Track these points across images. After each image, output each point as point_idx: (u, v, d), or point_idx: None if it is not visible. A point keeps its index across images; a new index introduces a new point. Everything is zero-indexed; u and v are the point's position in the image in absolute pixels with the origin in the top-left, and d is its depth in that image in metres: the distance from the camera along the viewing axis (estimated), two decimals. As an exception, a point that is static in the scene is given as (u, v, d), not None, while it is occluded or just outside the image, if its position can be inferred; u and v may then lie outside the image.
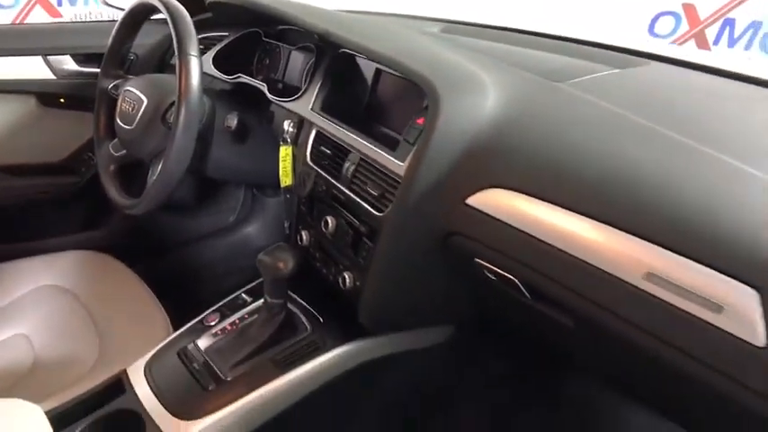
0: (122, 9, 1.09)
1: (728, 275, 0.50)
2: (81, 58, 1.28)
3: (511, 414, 1.07)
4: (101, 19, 1.34)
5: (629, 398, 0.99)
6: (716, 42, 2.80)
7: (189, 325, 0.93)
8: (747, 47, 2.76)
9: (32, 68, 1.24)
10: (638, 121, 0.68)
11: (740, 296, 0.49)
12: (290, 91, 1.04)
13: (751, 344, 0.49)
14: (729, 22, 2.80)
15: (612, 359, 0.73)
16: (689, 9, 2.85)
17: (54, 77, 1.26)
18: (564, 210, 0.62)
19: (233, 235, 1.54)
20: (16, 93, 1.24)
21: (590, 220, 0.59)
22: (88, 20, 1.32)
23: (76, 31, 1.30)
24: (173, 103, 0.96)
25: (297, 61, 1.09)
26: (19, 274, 1.15)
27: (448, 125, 0.72)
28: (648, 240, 0.55)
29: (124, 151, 1.07)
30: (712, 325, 0.51)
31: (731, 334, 0.50)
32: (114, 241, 1.32)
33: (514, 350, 1.08)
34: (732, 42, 2.79)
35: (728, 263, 0.50)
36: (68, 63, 1.27)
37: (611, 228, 0.57)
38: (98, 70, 1.24)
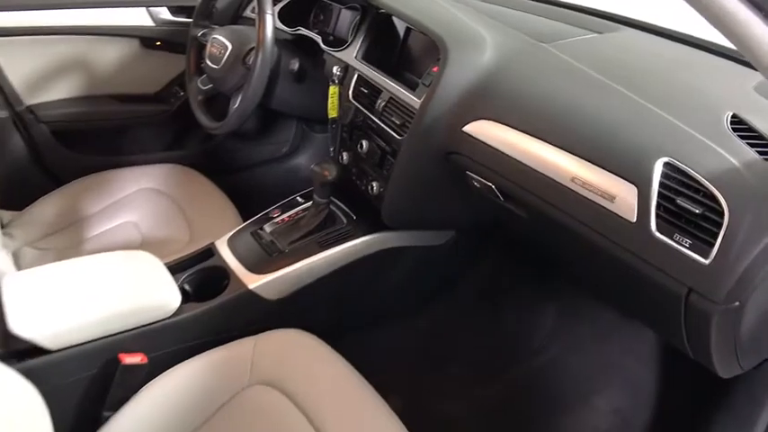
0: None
1: (619, 176, 0.76)
2: (174, 10, 1.58)
3: (493, 297, 1.36)
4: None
5: (571, 277, 1.25)
6: None
7: (258, 216, 1.26)
8: None
9: (137, 17, 1.55)
10: (594, 75, 0.93)
11: (625, 190, 0.76)
12: (339, 42, 1.32)
13: (629, 221, 0.75)
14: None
15: (552, 241, 1.00)
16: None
17: (153, 24, 1.57)
18: (526, 135, 0.88)
19: (286, 163, 1.85)
20: (124, 36, 1.56)
21: (541, 141, 0.86)
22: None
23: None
24: (251, 49, 1.25)
25: (345, 18, 1.36)
26: (125, 179, 1.49)
27: (453, 72, 0.99)
28: (574, 154, 0.81)
29: (210, 85, 1.38)
30: (609, 210, 0.77)
31: (618, 215, 0.76)
32: (194, 159, 1.64)
33: (499, 254, 1.36)
34: None
35: (620, 168, 0.76)
36: (164, 13, 1.57)
37: (553, 146, 0.84)
38: (187, 19, 1.54)
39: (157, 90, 1.67)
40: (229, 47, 1.27)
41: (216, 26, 1.42)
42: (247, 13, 1.58)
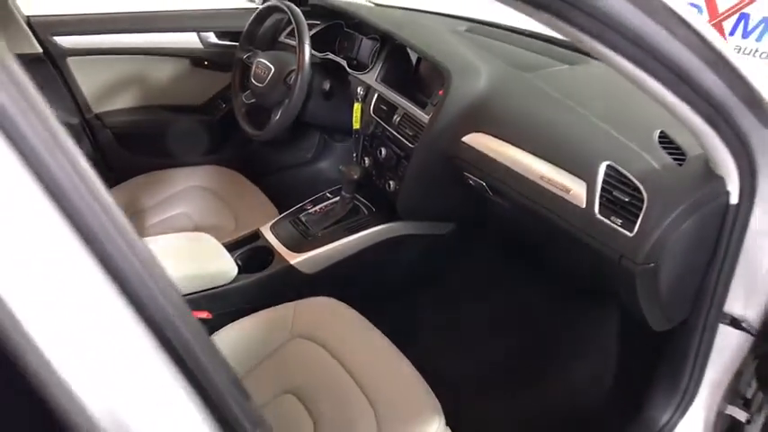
0: (258, 6, 1.68)
1: (574, 175, 1.04)
2: (220, 34, 1.87)
3: (485, 279, 1.64)
4: (234, 7, 1.92)
5: (544, 260, 1.51)
6: (731, 33, 3.16)
7: (294, 208, 1.54)
8: (759, 38, 3.12)
9: (189, 40, 1.84)
10: (561, 99, 1.21)
11: (577, 185, 1.03)
12: (361, 66, 1.60)
13: (580, 207, 1.02)
14: (744, 17, 3.14)
15: (528, 226, 1.28)
16: (710, 2, 3.20)
17: (202, 47, 1.86)
18: (509, 144, 1.16)
19: (310, 167, 2.13)
20: (177, 56, 1.85)
21: (520, 149, 1.14)
22: (227, 8, 1.89)
23: (219, 15, 1.88)
24: (291, 71, 1.54)
25: (366, 46, 1.64)
26: (175, 178, 1.77)
27: (455, 96, 1.27)
28: (543, 159, 1.09)
29: (254, 100, 1.66)
30: (566, 199, 1.05)
31: (572, 203, 1.04)
32: (233, 161, 1.92)
33: (490, 242, 1.64)
34: (746, 34, 3.15)
35: (574, 169, 1.04)
36: (212, 37, 1.87)
37: (528, 153, 1.12)
38: (231, 42, 1.83)
39: (203, 102, 1.96)
40: (272, 69, 1.56)
41: (258, 50, 1.70)
42: (282, 38, 1.87)
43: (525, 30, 1.68)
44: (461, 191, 1.37)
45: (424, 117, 1.33)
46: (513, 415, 1.41)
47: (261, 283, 1.31)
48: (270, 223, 1.47)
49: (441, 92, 1.32)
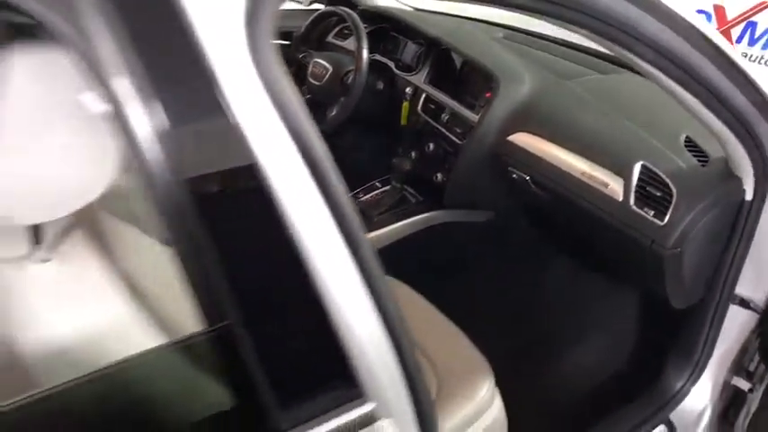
0: (319, 9, 1.83)
1: (612, 172, 1.21)
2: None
3: (519, 268, 1.81)
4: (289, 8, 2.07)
5: (576, 249, 1.69)
6: (738, 41, 3.32)
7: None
8: (765, 46, 3.28)
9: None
10: (596, 103, 1.38)
11: (615, 180, 1.20)
12: (406, 67, 1.76)
13: (617, 200, 1.20)
14: (752, 25, 3.29)
15: (566, 217, 1.45)
16: (719, 9, 3.35)
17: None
18: (553, 143, 1.33)
19: (347, 159, 2.29)
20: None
21: (562, 148, 1.31)
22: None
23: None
24: (348, 71, 1.70)
25: (410, 49, 1.80)
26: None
27: (502, 99, 1.44)
28: (582, 157, 1.26)
29: (309, 96, 1.82)
30: (604, 192, 1.22)
31: (610, 196, 1.21)
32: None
33: (525, 232, 1.82)
34: (752, 42, 3.31)
35: (613, 167, 1.21)
36: (266, 37, 2.02)
37: (570, 152, 1.29)
38: (285, 42, 1.98)
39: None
40: (330, 69, 1.71)
41: (311, 50, 1.86)
42: (330, 39, 2.02)
43: (558, 38, 1.85)
44: (503, 183, 1.54)
45: (472, 117, 1.50)
46: (541, 384, 1.59)
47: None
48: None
49: (488, 94, 1.49)
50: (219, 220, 0.49)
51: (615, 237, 1.25)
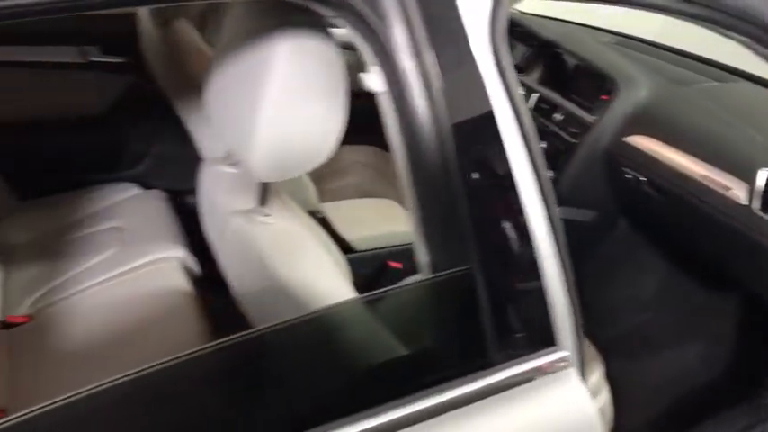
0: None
1: (734, 176, 1.25)
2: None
3: (616, 271, 1.86)
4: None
5: (686, 251, 1.72)
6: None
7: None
8: None
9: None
10: (716, 110, 1.41)
11: (737, 185, 1.24)
12: (516, 69, 1.84)
13: (741, 203, 1.24)
14: None
15: (682, 220, 1.49)
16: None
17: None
18: (671, 146, 1.38)
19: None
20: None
21: (682, 152, 1.36)
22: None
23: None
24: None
25: (519, 50, 1.87)
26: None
27: (620, 102, 1.50)
28: (703, 161, 1.31)
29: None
30: (726, 196, 1.26)
31: (732, 200, 1.25)
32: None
33: (628, 232, 1.86)
34: None
35: (734, 171, 1.25)
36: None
37: (689, 155, 1.34)
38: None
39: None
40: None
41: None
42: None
43: (668, 45, 1.88)
44: (613, 183, 1.59)
45: (588, 118, 1.56)
46: (634, 383, 1.64)
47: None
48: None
49: (604, 97, 1.55)
50: (467, 168, 0.60)
51: (734, 239, 1.29)
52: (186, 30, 1.37)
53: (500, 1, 0.61)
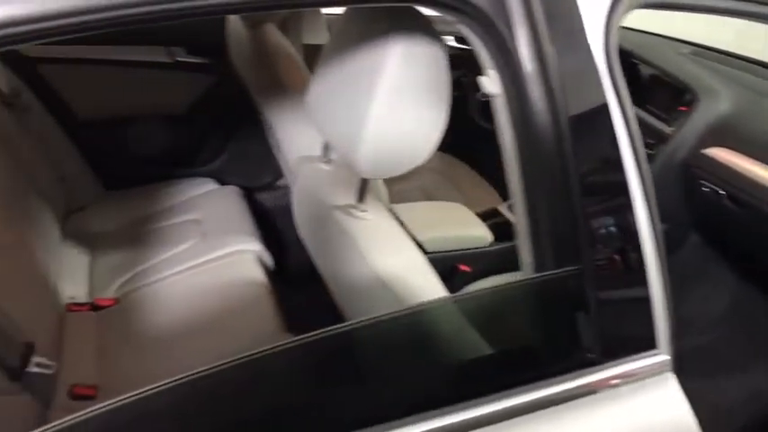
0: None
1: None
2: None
3: (686, 284, 1.82)
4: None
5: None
6: None
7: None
8: None
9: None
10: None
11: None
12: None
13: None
14: None
15: (763, 237, 1.46)
16: None
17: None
18: (751, 159, 1.35)
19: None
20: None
21: (763, 164, 1.33)
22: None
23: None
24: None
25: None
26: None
27: (700, 114, 1.47)
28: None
29: (485, 99, 1.94)
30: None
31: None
32: (458, 149, 2.22)
33: (696, 250, 1.82)
34: None
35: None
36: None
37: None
38: (462, 46, 2.11)
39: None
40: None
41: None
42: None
43: (746, 56, 1.84)
44: (688, 196, 1.57)
45: (665, 129, 1.55)
46: (706, 402, 1.60)
47: (508, 251, 1.58)
48: (507, 203, 1.75)
49: (682, 108, 1.53)
50: (583, 168, 0.62)
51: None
52: (274, 33, 1.43)
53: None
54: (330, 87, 0.83)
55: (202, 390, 0.65)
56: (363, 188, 0.84)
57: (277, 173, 2.04)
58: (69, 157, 1.80)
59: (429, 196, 1.95)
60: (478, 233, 1.55)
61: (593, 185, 0.63)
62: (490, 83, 0.63)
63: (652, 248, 0.65)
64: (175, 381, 0.60)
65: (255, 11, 0.81)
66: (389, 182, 1.97)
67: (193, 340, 1.36)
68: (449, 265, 1.51)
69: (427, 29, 0.74)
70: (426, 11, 0.70)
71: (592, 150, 0.63)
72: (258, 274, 1.51)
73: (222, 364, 0.62)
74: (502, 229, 1.67)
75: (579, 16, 0.62)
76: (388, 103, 0.72)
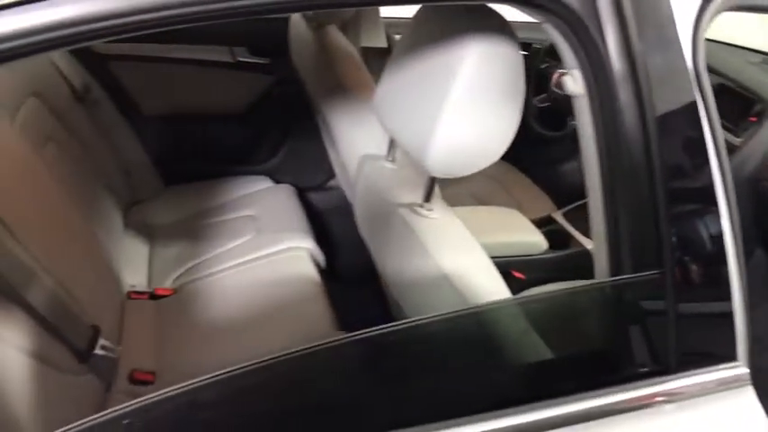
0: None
1: None
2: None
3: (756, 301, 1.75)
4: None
5: None
6: None
7: (582, 201, 1.76)
8: None
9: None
10: None
11: None
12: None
13: None
14: None
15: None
16: None
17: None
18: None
19: (562, 166, 2.34)
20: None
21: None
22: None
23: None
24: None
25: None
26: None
27: (771, 125, 1.42)
28: None
29: (548, 104, 1.91)
30: None
31: None
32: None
33: (763, 265, 1.75)
34: None
35: None
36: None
37: None
38: (524, 52, 2.09)
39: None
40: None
41: (557, 62, 1.96)
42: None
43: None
44: (756, 208, 1.51)
45: (733, 140, 1.49)
46: None
47: (563, 260, 1.56)
48: (562, 211, 1.72)
49: (752, 119, 1.48)
50: (670, 170, 0.60)
51: None
52: (336, 34, 1.45)
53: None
54: (401, 85, 0.84)
55: (258, 382, 0.66)
56: (431, 187, 0.84)
57: (329, 174, 2.07)
58: (134, 151, 1.86)
59: (481, 201, 1.93)
60: (534, 240, 1.53)
61: (678, 190, 0.62)
62: (573, 83, 0.62)
63: (735, 257, 0.63)
64: (230, 371, 0.61)
65: (328, 8, 0.82)
66: (441, 185, 1.97)
67: (247, 334, 1.39)
68: (502, 271, 1.49)
69: (504, 29, 0.74)
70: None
71: (678, 153, 0.62)
72: (311, 272, 1.53)
73: (280, 357, 0.63)
74: (556, 237, 1.64)
75: (670, 14, 0.61)
76: (463, 102, 0.72)
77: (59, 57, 1.59)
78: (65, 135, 1.52)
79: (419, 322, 0.69)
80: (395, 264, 0.89)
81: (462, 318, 0.69)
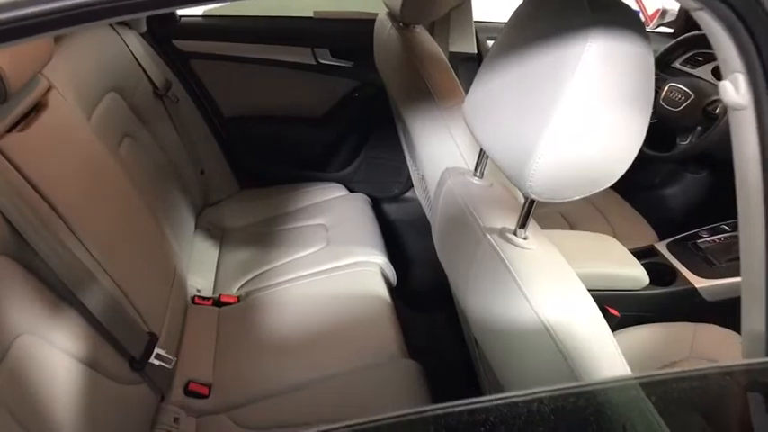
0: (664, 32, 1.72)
1: None
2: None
3: None
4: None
5: None
6: None
7: (689, 232, 1.55)
8: None
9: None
10: None
11: None
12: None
13: None
14: None
15: None
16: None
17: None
18: None
19: (661, 191, 2.11)
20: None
21: None
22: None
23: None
24: (713, 102, 1.55)
25: None
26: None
27: None
28: None
29: (655, 120, 1.71)
30: None
31: None
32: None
33: None
34: None
35: None
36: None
37: None
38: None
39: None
40: (691, 95, 1.59)
41: (663, 74, 1.75)
42: (676, 64, 1.88)
43: None
44: None
45: None
46: None
47: (665, 297, 1.37)
48: (665, 242, 1.52)
49: None
50: None
51: None
52: (425, 36, 1.34)
53: None
54: (499, 90, 0.71)
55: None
56: (528, 211, 0.71)
57: (406, 185, 1.96)
58: (211, 152, 1.84)
59: (572, 224, 1.75)
60: (635, 273, 1.34)
61: None
62: (735, 91, 0.48)
63: None
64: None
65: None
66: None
67: (311, 350, 1.30)
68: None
69: (633, 22, 0.60)
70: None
71: None
72: (381, 289, 1.43)
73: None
74: (658, 271, 1.45)
75: None
76: (576, 111, 0.58)
77: (143, 53, 1.58)
78: (142, 131, 1.50)
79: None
80: (478, 298, 0.76)
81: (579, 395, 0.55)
